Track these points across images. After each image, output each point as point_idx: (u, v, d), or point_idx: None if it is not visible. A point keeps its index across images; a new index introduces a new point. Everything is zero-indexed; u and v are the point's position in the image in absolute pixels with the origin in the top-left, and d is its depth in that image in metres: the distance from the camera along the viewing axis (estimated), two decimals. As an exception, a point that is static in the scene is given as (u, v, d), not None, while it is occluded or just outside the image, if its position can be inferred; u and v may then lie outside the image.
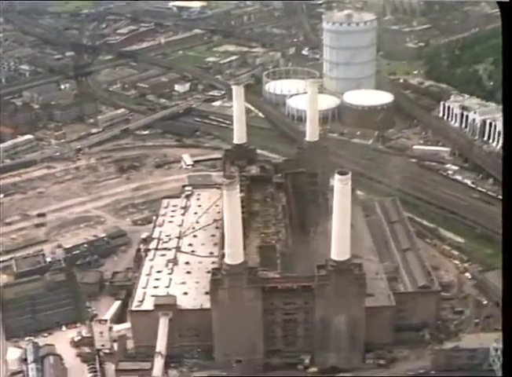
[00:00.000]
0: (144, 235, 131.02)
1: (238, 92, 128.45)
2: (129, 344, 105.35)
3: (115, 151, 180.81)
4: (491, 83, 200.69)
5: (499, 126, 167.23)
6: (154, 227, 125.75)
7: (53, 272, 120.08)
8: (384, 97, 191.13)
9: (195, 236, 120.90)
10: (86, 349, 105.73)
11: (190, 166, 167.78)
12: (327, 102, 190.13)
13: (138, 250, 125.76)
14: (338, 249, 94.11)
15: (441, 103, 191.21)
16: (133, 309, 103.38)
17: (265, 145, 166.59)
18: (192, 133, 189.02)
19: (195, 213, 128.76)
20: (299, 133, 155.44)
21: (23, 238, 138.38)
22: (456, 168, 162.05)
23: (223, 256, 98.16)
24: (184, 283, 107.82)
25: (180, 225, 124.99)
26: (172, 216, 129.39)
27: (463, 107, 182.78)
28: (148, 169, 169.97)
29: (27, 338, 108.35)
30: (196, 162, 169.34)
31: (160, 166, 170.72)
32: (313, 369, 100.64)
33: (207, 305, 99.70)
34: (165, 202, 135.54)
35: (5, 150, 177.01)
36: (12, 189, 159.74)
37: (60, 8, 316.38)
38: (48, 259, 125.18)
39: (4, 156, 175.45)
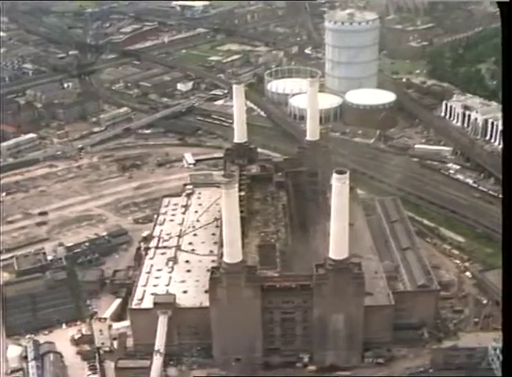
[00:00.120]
0: (144, 233, 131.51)
1: (238, 91, 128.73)
2: (129, 342, 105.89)
3: (117, 149, 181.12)
4: (494, 83, 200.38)
5: (501, 126, 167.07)
6: (154, 225, 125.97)
7: (54, 271, 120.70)
8: (386, 97, 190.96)
9: (195, 234, 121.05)
10: (86, 347, 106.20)
11: (192, 165, 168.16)
12: (329, 101, 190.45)
13: (138, 248, 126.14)
14: (337, 248, 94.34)
15: (443, 102, 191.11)
16: (133, 307, 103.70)
17: (266, 144, 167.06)
18: (194, 132, 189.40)
19: (196, 211, 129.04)
20: (301, 133, 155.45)
21: (24, 236, 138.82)
22: (458, 167, 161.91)
23: (222, 255, 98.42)
24: (183, 281, 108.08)
25: (180, 224, 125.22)
26: (173, 214, 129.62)
27: (465, 107, 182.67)
28: (149, 167, 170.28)
29: (28, 336, 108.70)
30: (198, 161, 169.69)
31: (162, 164, 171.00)
32: (312, 368, 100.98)
33: (206, 303, 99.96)
34: (166, 200, 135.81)
35: (7, 148, 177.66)
36: (14, 188, 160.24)
37: (63, 7, 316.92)
38: (49, 257, 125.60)
39: (7, 155, 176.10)
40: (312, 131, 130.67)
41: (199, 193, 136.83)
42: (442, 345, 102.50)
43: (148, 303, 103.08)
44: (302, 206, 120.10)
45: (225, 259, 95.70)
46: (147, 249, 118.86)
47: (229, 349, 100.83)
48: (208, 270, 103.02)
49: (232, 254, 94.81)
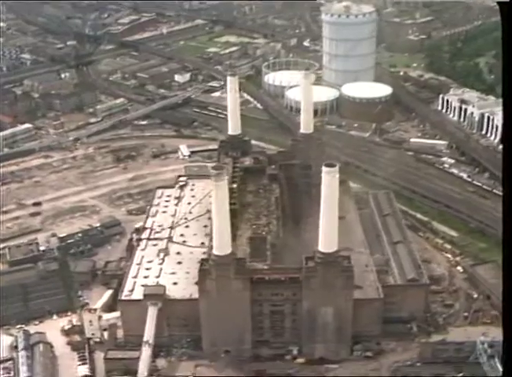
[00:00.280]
0: (138, 224, 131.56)
1: (232, 83, 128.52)
2: (120, 333, 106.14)
3: (112, 140, 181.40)
4: (492, 77, 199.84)
5: (497, 120, 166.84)
6: (147, 217, 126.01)
7: (46, 261, 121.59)
8: (383, 90, 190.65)
9: (187, 226, 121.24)
10: (76, 338, 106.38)
11: (187, 157, 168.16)
12: (326, 94, 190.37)
13: (130, 239, 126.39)
14: (326, 241, 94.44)
15: (440, 96, 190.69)
16: (123, 298, 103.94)
17: (262, 137, 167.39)
18: (190, 123, 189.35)
19: (189, 203, 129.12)
20: (296, 125, 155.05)
21: (18, 227, 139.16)
22: (452, 161, 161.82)
23: (212, 247, 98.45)
24: (174, 273, 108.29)
25: (173, 215, 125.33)
26: (165, 206, 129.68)
27: (462, 101, 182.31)
28: (145, 159, 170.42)
29: (19, 326, 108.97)
30: (193, 152, 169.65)
31: (157, 156, 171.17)
32: (301, 360, 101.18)
33: (196, 295, 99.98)
34: (159, 192, 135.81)
35: (3, 138, 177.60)
36: (9, 178, 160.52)
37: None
38: (41, 248, 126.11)
39: (2, 145, 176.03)
40: (306, 124, 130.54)
41: (193, 185, 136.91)
42: (431, 339, 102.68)
43: (138, 294, 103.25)
44: (295, 198, 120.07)
45: (215, 251, 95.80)
46: (139, 240, 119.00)
47: (218, 341, 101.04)
48: (199, 262, 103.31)
49: (222, 246, 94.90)
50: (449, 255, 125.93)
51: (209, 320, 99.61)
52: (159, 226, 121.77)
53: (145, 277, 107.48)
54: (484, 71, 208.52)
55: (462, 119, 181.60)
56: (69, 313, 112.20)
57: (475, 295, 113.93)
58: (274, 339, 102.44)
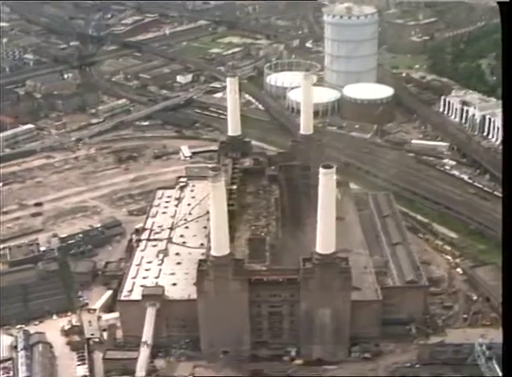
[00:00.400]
0: (138, 225, 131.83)
1: (232, 84, 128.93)
2: (119, 333, 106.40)
3: (114, 141, 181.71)
4: (494, 78, 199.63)
5: (498, 122, 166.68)
6: (147, 218, 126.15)
7: (46, 262, 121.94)
8: (384, 91, 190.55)
9: (187, 227, 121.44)
10: (76, 338, 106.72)
11: (188, 158, 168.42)
12: (328, 95, 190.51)
13: (130, 240, 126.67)
14: (323, 242, 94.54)
15: (442, 97, 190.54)
16: (122, 298, 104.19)
17: (263, 137, 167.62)
18: (192, 124, 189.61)
19: (189, 204, 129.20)
20: (297, 127, 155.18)
21: (19, 227, 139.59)
22: (454, 163, 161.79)
23: (210, 248, 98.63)
24: (173, 274, 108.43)
25: (173, 216, 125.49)
26: (165, 207, 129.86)
27: (463, 102, 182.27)
28: (146, 160, 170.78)
29: (19, 326, 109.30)
30: (194, 153, 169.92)
31: (159, 157, 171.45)
32: (299, 361, 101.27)
33: (195, 296, 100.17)
34: (159, 192, 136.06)
35: (5, 139, 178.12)
36: (10, 178, 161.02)
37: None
38: (42, 248, 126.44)
39: (4, 145, 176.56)
40: (306, 125, 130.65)
41: (193, 186, 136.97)
42: (429, 341, 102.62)
43: (137, 295, 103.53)
44: (294, 200, 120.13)
45: (213, 252, 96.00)
46: (138, 241, 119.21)
47: (217, 342, 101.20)
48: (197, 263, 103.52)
49: (220, 247, 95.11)
50: (449, 257, 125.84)
51: (207, 320, 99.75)
52: (159, 227, 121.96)
53: (144, 278, 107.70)
54: (486, 73, 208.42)
55: (463, 121, 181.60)
56: (69, 314, 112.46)
57: (474, 297, 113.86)
58: (272, 340, 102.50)
